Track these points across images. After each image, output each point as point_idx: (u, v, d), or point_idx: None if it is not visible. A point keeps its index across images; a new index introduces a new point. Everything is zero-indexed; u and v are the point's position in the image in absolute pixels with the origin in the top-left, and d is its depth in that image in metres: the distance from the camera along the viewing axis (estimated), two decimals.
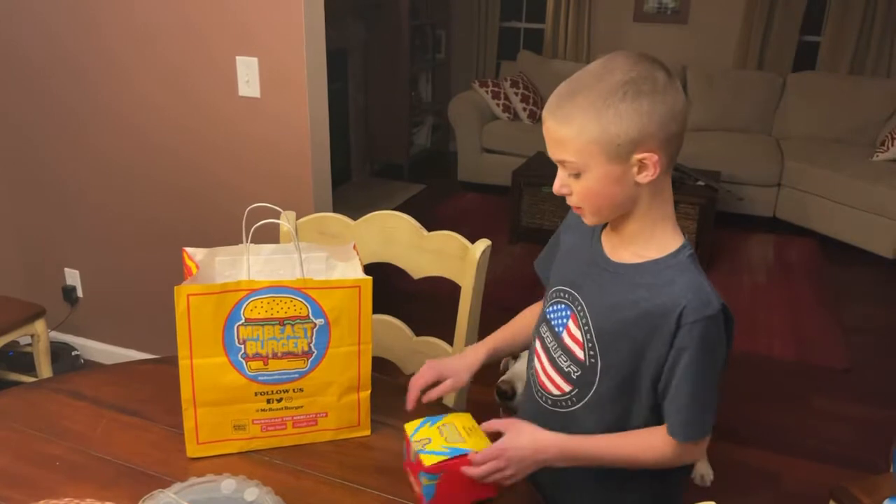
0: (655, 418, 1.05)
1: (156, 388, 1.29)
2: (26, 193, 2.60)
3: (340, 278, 1.16)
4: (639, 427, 1.05)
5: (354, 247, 1.23)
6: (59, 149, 2.48)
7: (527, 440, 1.02)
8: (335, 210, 1.87)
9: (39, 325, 2.26)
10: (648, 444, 1.04)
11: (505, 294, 3.57)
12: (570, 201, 1.01)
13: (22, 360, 2.51)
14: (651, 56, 0.96)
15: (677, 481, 1.18)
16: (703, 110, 4.86)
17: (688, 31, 5.06)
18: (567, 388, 1.09)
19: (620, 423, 1.06)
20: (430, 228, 1.51)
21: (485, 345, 1.25)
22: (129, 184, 2.43)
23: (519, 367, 1.67)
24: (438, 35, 5.64)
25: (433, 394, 1.18)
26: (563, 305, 1.10)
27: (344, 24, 4.52)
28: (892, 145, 4.14)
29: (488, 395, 1.70)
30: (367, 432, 1.20)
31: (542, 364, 1.13)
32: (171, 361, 1.26)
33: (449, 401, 1.48)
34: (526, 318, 1.28)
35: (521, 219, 4.05)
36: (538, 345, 1.16)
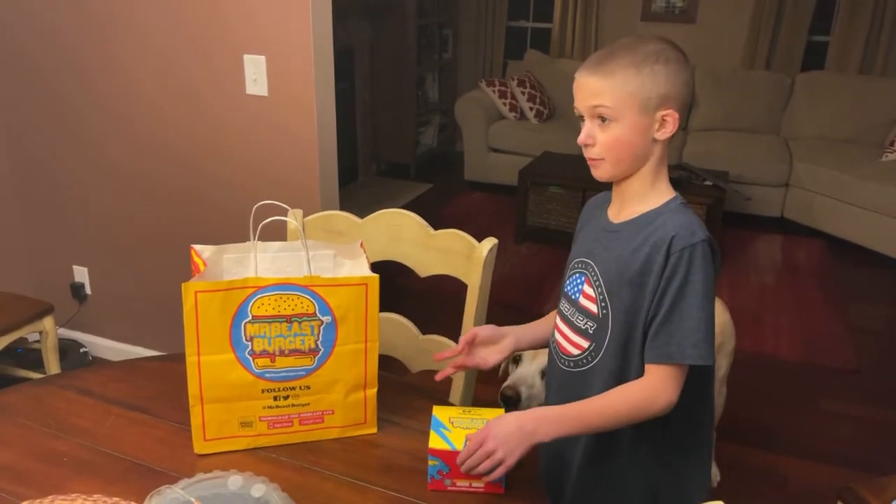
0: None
1: (163, 384, 1.30)
2: (35, 192, 2.62)
3: (348, 276, 1.16)
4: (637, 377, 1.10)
5: (361, 245, 1.23)
6: (67, 148, 2.49)
7: (509, 417, 1.06)
8: (342, 209, 1.88)
9: (48, 322, 2.27)
10: (621, 388, 1.08)
11: (511, 293, 3.57)
12: (591, 153, 1.10)
13: (30, 356, 2.52)
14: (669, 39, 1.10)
15: (680, 470, 1.19)
16: (711, 110, 4.84)
17: (696, 30, 5.04)
18: (586, 343, 1.15)
19: (624, 371, 1.11)
20: (436, 227, 1.51)
21: (514, 336, 1.27)
22: (137, 182, 2.43)
23: (522, 371, 1.66)
24: (445, 34, 5.64)
25: (468, 361, 1.23)
26: (577, 274, 1.18)
27: (350, 23, 4.53)
28: None
29: (493, 394, 1.70)
30: (374, 430, 1.20)
31: (562, 332, 1.20)
32: (178, 358, 1.26)
33: (455, 398, 1.48)
34: (549, 321, 1.30)
35: (528, 218, 4.04)
36: (558, 319, 1.22)
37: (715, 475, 2.23)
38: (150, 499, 0.91)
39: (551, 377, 1.26)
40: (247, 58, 2.12)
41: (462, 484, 1.06)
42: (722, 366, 2.03)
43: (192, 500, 0.88)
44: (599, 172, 1.11)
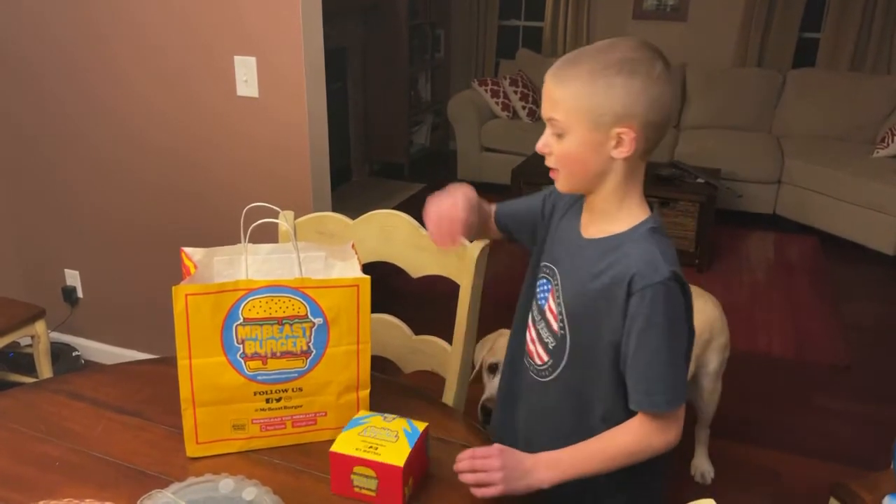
0: (620, 399, 1.06)
1: (155, 388, 1.29)
2: (26, 195, 2.60)
3: (339, 277, 1.16)
4: (601, 405, 1.08)
5: (353, 246, 1.23)
6: (58, 150, 2.48)
7: (517, 451, 1.04)
8: (335, 210, 1.87)
9: (40, 326, 2.26)
10: (618, 433, 1.05)
11: (504, 292, 3.56)
12: (549, 162, 1.07)
13: (22, 360, 2.51)
14: (655, 46, 1.01)
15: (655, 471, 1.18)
16: (703, 108, 4.85)
17: (687, 28, 5.05)
18: (546, 357, 1.13)
19: (584, 399, 1.09)
20: None
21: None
22: (128, 184, 2.43)
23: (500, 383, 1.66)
24: (437, 34, 5.64)
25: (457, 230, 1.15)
26: (545, 280, 1.15)
27: (342, 23, 4.52)
28: (892, 142, 4.13)
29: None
30: None
31: (531, 334, 1.18)
32: (170, 362, 1.25)
33: (448, 399, 1.48)
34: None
35: None
36: (530, 320, 1.20)
37: (708, 472, 2.24)
38: (142, 503, 0.91)
39: (518, 378, 1.22)
40: (237, 59, 2.11)
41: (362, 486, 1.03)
42: (712, 360, 2.03)
43: None
44: (557, 184, 1.09)
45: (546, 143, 1.05)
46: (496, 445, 1.04)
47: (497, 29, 5.66)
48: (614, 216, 1.06)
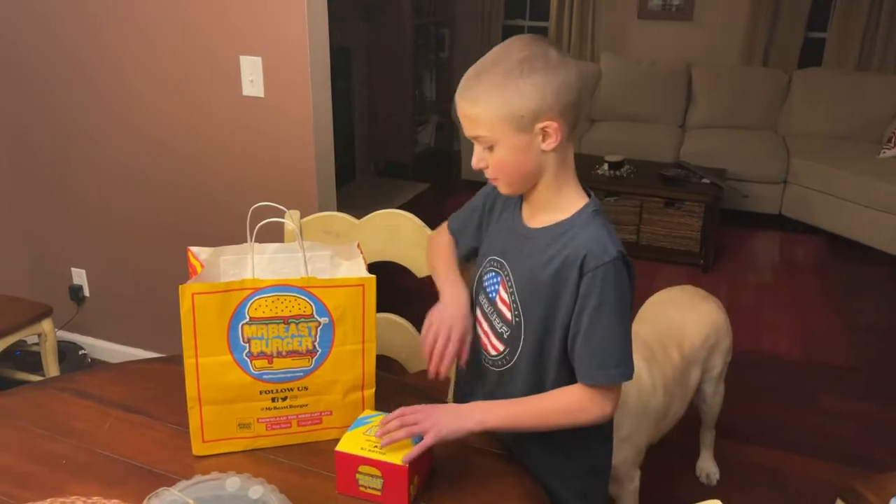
0: (567, 380, 1.10)
1: (161, 386, 1.30)
2: (33, 194, 2.62)
3: (345, 277, 1.16)
4: (552, 387, 1.12)
5: (358, 246, 1.23)
6: (64, 150, 2.49)
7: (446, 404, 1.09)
8: (339, 209, 1.87)
9: (46, 325, 2.27)
10: (558, 394, 1.10)
11: None
12: (488, 174, 1.11)
13: (29, 359, 2.53)
14: (542, 37, 1.07)
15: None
16: (708, 107, 4.84)
17: (693, 28, 5.04)
18: (501, 347, 1.17)
19: (538, 383, 1.13)
20: (433, 227, 1.51)
21: (459, 281, 1.25)
22: (135, 184, 2.43)
23: None
24: (442, 34, 5.63)
25: (449, 359, 1.16)
26: (493, 273, 1.18)
27: (347, 22, 4.53)
28: None
29: None
30: None
31: (483, 327, 1.21)
32: (176, 360, 1.26)
33: (452, 398, 1.48)
34: (450, 249, 1.32)
35: None
36: (478, 311, 1.22)
37: (713, 473, 2.23)
38: (149, 501, 0.91)
39: (475, 371, 1.25)
40: (243, 59, 2.12)
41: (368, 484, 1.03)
42: (717, 364, 2.03)
43: (190, 501, 0.88)
44: (501, 189, 1.13)
45: (480, 159, 1.09)
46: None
47: (502, 29, 5.65)
48: (556, 205, 1.11)
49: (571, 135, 1.08)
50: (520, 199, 1.17)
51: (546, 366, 1.12)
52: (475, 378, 1.25)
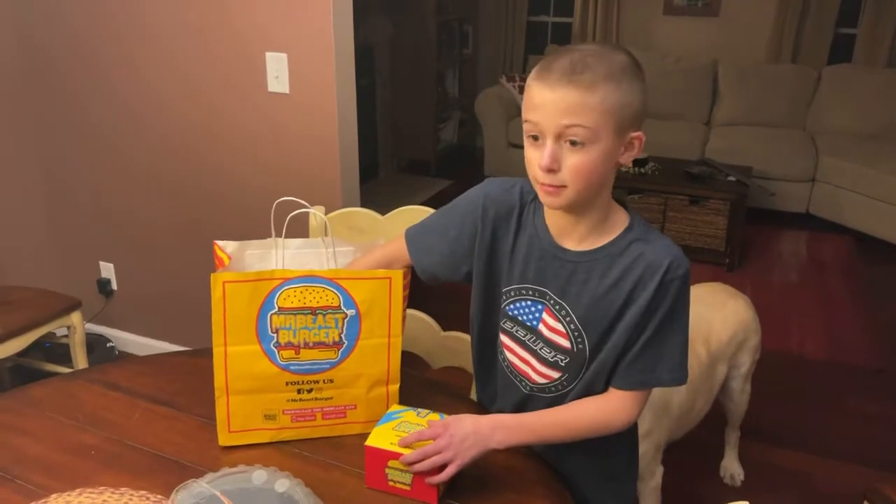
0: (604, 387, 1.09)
1: (188, 379, 1.31)
2: (62, 192, 2.66)
3: (372, 269, 1.16)
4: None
5: (383, 241, 1.24)
6: (93, 149, 2.53)
7: (466, 419, 1.05)
8: (362, 206, 1.88)
9: (75, 317, 2.31)
10: (584, 404, 1.07)
11: None
12: (553, 179, 0.95)
13: (58, 351, 2.57)
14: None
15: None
16: (735, 105, 4.78)
17: (719, 24, 4.98)
18: (556, 374, 1.11)
19: (588, 395, 1.10)
20: None
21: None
22: (161, 181, 2.46)
23: None
24: (465, 30, 5.62)
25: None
26: (529, 302, 1.10)
27: (371, 19, 4.54)
28: None
29: None
30: None
31: (519, 356, 1.15)
32: (203, 354, 1.28)
33: (475, 395, 1.48)
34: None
35: None
36: (505, 339, 1.16)
37: (738, 473, 2.21)
38: (177, 492, 0.92)
39: (506, 394, 1.20)
40: (269, 55, 2.13)
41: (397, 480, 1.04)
42: (745, 361, 2.01)
43: (218, 493, 0.89)
44: (559, 200, 0.97)
45: (556, 158, 0.94)
46: (440, 422, 1.04)
47: (525, 25, 5.63)
48: (607, 223, 1.04)
49: None
50: (538, 220, 1.08)
51: (598, 381, 1.08)
52: (512, 407, 1.18)
